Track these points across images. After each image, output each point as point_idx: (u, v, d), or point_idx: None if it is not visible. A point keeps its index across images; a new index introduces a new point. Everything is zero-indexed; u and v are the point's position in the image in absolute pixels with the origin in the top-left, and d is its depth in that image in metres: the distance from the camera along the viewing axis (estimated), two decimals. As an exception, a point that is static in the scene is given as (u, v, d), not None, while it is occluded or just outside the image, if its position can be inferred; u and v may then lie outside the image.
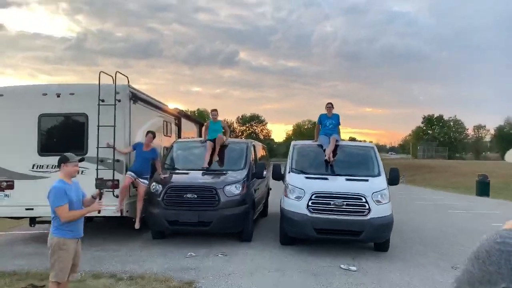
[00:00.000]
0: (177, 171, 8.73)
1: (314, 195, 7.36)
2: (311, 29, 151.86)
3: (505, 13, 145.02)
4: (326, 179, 7.86)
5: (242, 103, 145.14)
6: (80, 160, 4.20)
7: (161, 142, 10.22)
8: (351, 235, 7.25)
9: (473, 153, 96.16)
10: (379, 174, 8.07)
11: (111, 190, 7.87)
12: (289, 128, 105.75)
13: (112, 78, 8.27)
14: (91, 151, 7.93)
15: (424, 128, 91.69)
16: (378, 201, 7.30)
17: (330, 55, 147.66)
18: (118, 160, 7.97)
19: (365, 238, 7.24)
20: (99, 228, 9.37)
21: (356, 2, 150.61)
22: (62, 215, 3.92)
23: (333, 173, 8.11)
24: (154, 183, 8.18)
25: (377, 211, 7.23)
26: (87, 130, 8.08)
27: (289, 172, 8.26)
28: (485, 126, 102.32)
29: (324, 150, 8.49)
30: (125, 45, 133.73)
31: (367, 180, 7.75)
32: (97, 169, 7.81)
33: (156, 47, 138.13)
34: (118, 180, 7.98)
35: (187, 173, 8.48)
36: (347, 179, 7.80)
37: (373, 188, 7.46)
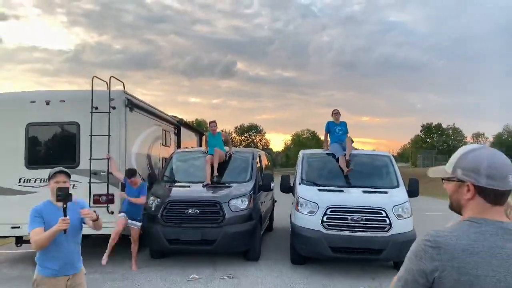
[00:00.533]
0: (177, 184, 8.03)
1: (329, 210, 6.68)
2: (308, 39, 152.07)
3: (501, 22, 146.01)
4: (341, 191, 7.18)
5: (240, 113, 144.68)
6: (63, 174, 3.30)
7: (160, 152, 9.56)
8: (371, 254, 6.55)
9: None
10: (398, 185, 7.40)
11: (105, 205, 7.19)
12: (287, 137, 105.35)
13: (107, 83, 7.64)
14: (84, 163, 7.26)
15: (423, 136, 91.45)
16: (400, 215, 6.63)
17: (326, 64, 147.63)
18: (112, 173, 7.28)
19: (387, 257, 6.55)
20: (96, 246, 8.63)
21: (352, 13, 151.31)
22: (31, 241, 3.21)
23: (348, 185, 7.43)
24: (152, 197, 7.49)
25: (399, 227, 6.55)
26: (79, 140, 7.42)
27: (299, 184, 7.58)
28: (484, 134, 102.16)
29: (337, 160, 7.84)
30: (123, 56, 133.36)
31: (386, 192, 7.08)
32: (89, 183, 7.13)
33: (153, 58, 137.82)
34: (113, 195, 7.30)
35: (188, 186, 7.78)
36: (364, 191, 7.13)
37: (393, 201, 6.79)
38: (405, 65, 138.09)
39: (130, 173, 6.93)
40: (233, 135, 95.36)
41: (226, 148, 8.63)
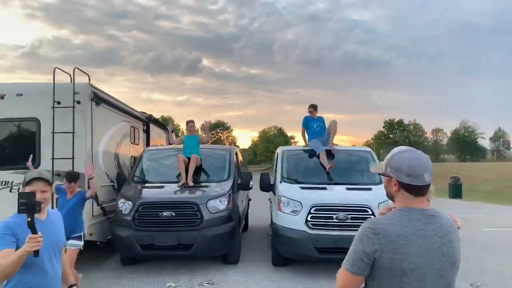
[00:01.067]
0: (149, 184, 7.47)
1: (313, 208, 6.36)
2: (273, 37, 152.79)
3: (456, 23, 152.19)
4: (324, 189, 6.87)
5: (206, 110, 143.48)
6: (42, 181, 2.55)
7: (129, 151, 8.93)
8: (358, 254, 6.28)
9: (432, 156, 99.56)
10: (381, 182, 7.18)
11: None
12: (254, 134, 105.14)
13: (70, 76, 6.97)
14: (45, 164, 6.57)
15: (386, 132, 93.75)
16: (386, 213, 6.39)
17: (292, 62, 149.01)
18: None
19: (373, 256, 6.29)
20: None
21: (317, 11, 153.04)
22: None
23: (331, 182, 7.14)
24: (122, 199, 6.90)
25: (385, 225, 6.32)
26: (39, 138, 6.72)
27: (280, 182, 7.22)
28: (442, 130, 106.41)
29: (318, 156, 7.54)
30: (84, 52, 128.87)
31: (370, 189, 6.85)
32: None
33: (116, 54, 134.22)
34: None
35: (161, 187, 7.23)
36: (348, 188, 6.86)
37: (378, 198, 6.54)
38: (367, 63, 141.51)
39: (71, 176, 5.52)
40: (199, 132, 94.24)
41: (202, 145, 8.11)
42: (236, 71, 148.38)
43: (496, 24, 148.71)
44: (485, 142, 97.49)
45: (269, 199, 10.89)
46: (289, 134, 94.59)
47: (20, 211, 2.21)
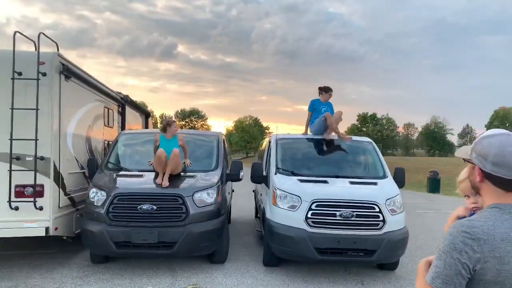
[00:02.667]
0: (126, 173, 6.56)
1: (314, 204, 5.65)
2: (251, 26, 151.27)
3: (430, 20, 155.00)
4: (326, 182, 6.16)
5: (181, 97, 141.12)
6: None
7: (103, 134, 7.95)
8: (362, 256, 5.64)
9: (402, 149, 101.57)
10: (385, 176, 6.56)
11: (32, 199, 5.59)
12: (229, 123, 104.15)
13: (34, 43, 5.94)
14: (2, 145, 5.57)
15: (359, 125, 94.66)
16: (393, 210, 5.77)
17: (269, 52, 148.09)
18: (42, 158, 5.67)
19: (379, 258, 5.66)
20: (15, 247, 6.93)
21: (295, 1, 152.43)
22: None
23: (332, 175, 6.44)
24: (94, 189, 5.98)
25: (393, 224, 5.70)
26: (-6, 115, 5.69)
27: (275, 174, 6.46)
28: (414, 124, 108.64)
29: (322, 142, 6.79)
30: (55, 32, 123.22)
31: (375, 184, 6.20)
32: (10, 170, 5.48)
33: (88, 36, 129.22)
34: (42, 185, 5.70)
35: (140, 176, 6.34)
36: (352, 182, 6.18)
37: (385, 193, 5.92)
38: (343, 56, 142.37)
39: None
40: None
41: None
42: (212, 59, 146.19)
43: (469, 24, 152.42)
44: (453, 138, 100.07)
45: (253, 191, 10.16)
46: (264, 124, 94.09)
47: None
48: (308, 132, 7.36)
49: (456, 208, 1.95)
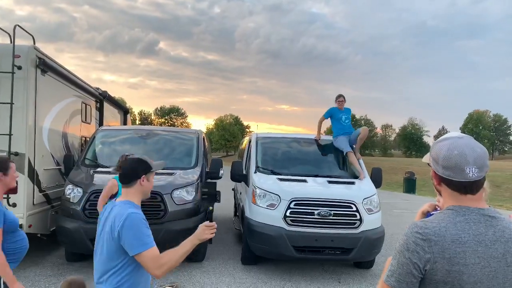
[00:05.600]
0: (103, 169, 6.46)
1: (293, 203, 5.70)
2: (234, 24, 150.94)
3: (410, 23, 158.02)
4: (305, 181, 6.22)
5: (160, 94, 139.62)
6: None
7: (80, 130, 7.81)
8: (339, 254, 5.72)
9: (380, 150, 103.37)
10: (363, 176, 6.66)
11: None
12: (210, 122, 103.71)
13: (10, 35, 5.79)
14: (-26, 140, 5.41)
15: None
16: (370, 210, 5.87)
17: (252, 51, 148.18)
18: (16, 153, 5.54)
19: (355, 257, 5.75)
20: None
21: (280, 0, 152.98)
22: None
23: (311, 174, 6.50)
24: (70, 185, 5.87)
25: (369, 223, 5.80)
26: (-34, 108, 5.52)
27: (255, 172, 6.48)
28: (391, 126, 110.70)
29: (346, 154, 6.75)
30: (32, 25, 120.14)
31: (353, 183, 6.29)
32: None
33: (67, 30, 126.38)
34: (16, 182, 5.54)
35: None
36: (330, 182, 6.26)
37: (362, 193, 6.02)
38: (325, 58, 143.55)
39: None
40: (152, 117, 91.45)
41: None
42: (193, 56, 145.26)
43: (448, 28, 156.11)
44: (430, 140, 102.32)
45: (233, 189, 10.15)
46: (245, 123, 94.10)
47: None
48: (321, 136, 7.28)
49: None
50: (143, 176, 2.30)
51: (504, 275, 1.36)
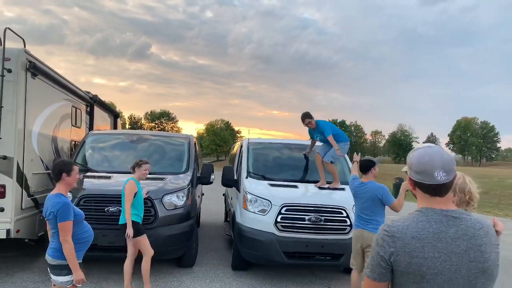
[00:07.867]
0: (93, 174, 6.41)
1: (284, 208, 5.71)
2: (226, 29, 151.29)
3: (401, 29, 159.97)
4: (295, 187, 6.24)
5: (151, 98, 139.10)
6: None
7: (70, 134, 7.74)
8: (329, 260, 5.73)
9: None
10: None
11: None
12: (200, 126, 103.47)
13: (0, 38, 5.73)
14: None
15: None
16: (359, 216, 5.90)
17: (244, 56, 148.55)
18: (5, 157, 5.48)
19: (345, 262, 5.75)
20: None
21: (273, 7, 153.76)
22: None
23: (301, 180, 6.53)
24: (59, 190, 5.80)
25: (359, 228, 5.82)
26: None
27: (246, 177, 6.49)
28: (381, 132, 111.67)
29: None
30: (22, 27, 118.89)
31: (343, 189, 6.32)
32: (-31, 170, 5.26)
33: (57, 33, 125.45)
34: (4, 186, 5.50)
35: (108, 177, 6.21)
36: (320, 188, 6.29)
37: (351, 198, 6.04)
38: (316, 63, 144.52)
39: None
40: (143, 121, 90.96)
41: None
42: (184, 60, 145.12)
43: (437, 35, 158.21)
44: (418, 146, 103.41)
45: (223, 194, 10.14)
46: (236, 128, 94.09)
47: None
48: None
49: None
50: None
51: (468, 269, 1.52)
